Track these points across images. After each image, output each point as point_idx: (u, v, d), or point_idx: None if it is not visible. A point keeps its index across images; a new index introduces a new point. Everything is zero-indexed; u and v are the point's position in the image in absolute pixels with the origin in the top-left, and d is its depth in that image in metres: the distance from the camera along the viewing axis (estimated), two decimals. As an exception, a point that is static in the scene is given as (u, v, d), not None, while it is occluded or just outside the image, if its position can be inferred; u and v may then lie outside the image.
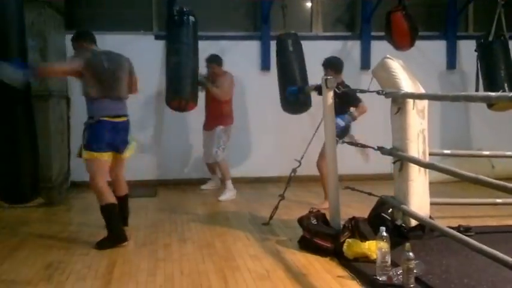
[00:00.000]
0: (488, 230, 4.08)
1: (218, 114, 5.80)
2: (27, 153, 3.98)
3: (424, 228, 3.79)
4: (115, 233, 3.88)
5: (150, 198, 5.83)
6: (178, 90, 5.34)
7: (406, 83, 3.73)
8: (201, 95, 5.86)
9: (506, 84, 5.86)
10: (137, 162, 6.57)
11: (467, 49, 6.42)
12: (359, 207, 4.80)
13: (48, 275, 3.30)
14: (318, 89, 4.38)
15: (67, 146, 6.28)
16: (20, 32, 3.92)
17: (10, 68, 3.65)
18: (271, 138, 6.70)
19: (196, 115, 6.30)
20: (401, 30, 5.80)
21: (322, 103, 4.11)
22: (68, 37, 6.23)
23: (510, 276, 2.91)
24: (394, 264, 3.10)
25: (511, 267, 2.63)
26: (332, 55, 5.40)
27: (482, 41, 6.00)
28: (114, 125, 3.93)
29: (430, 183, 3.92)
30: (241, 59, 6.51)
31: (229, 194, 5.70)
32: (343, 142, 4.28)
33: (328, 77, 4.04)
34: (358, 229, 3.61)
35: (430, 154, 3.93)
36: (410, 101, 3.66)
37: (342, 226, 3.81)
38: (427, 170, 3.75)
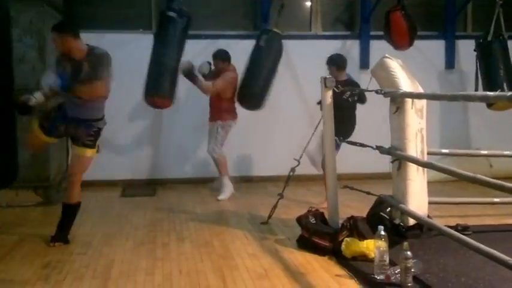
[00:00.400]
0: (486, 229, 4.09)
1: (218, 109, 5.75)
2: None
3: (422, 227, 3.79)
4: (67, 233, 3.97)
5: (149, 197, 5.83)
6: (155, 88, 5.13)
7: (405, 83, 3.73)
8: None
9: (505, 84, 5.86)
10: (136, 161, 6.61)
11: (466, 49, 6.42)
12: (357, 206, 4.81)
13: (46, 274, 3.29)
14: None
15: (65, 145, 6.27)
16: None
17: (54, 78, 3.69)
18: (269, 137, 6.69)
19: (195, 114, 6.30)
20: (400, 29, 5.80)
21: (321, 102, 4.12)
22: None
23: (507, 275, 2.91)
24: (392, 263, 3.10)
25: (509, 266, 2.63)
26: (330, 54, 5.38)
27: (481, 40, 6.00)
28: None
29: (428, 182, 3.92)
30: (240, 58, 6.49)
31: (227, 191, 5.63)
32: (342, 141, 4.29)
33: (327, 77, 4.05)
34: (356, 228, 3.61)
35: (428, 153, 3.93)
36: (409, 101, 3.66)
37: (340, 225, 3.81)
38: (426, 169, 3.76)
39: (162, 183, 6.44)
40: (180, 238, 4.11)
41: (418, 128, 3.76)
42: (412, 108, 3.68)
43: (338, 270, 3.30)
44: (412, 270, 2.95)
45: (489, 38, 5.90)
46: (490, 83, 5.87)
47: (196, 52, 6.03)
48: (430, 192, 3.96)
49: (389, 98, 3.79)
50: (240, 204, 5.37)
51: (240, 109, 5.93)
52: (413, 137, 3.72)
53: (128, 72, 5.27)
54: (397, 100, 3.72)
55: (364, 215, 3.93)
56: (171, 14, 5.07)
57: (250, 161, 6.67)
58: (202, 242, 3.99)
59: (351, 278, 3.15)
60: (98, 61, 3.70)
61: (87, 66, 3.70)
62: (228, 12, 6.92)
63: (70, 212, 3.97)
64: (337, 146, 4.74)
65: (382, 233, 3.13)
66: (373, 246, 3.22)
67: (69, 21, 4.00)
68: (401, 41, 5.84)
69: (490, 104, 5.76)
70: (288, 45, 6.06)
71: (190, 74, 5.41)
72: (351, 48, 6.83)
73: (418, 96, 3.73)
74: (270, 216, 4.50)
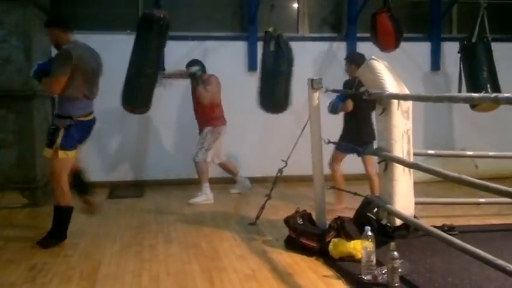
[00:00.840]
0: (472, 229, 4.14)
1: (206, 119, 5.71)
2: None
3: (409, 228, 3.83)
4: (59, 232, 3.92)
5: (137, 198, 5.80)
6: (130, 98, 5.09)
7: (391, 84, 3.77)
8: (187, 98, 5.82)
9: (488, 86, 5.93)
10: (123, 162, 6.57)
11: (451, 51, 6.49)
12: (345, 207, 4.85)
13: (32, 276, 3.26)
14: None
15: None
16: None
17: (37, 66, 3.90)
18: (257, 138, 6.71)
19: (184, 115, 6.29)
20: (387, 31, 5.84)
21: (308, 103, 4.14)
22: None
23: (493, 274, 2.95)
24: (379, 263, 3.13)
25: (494, 265, 2.67)
26: (317, 56, 5.42)
27: (465, 42, 6.08)
28: (85, 124, 3.95)
29: (415, 183, 3.96)
30: (228, 60, 6.51)
31: (202, 197, 5.52)
32: (329, 142, 4.31)
33: (314, 78, 4.07)
34: (343, 229, 3.64)
35: (414, 154, 3.97)
36: (395, 102, 3.70)
37: (327, 226, 3.83)
38: (412, 170, 3.80)
39: (150, 184, 6.42)
40: (168, 240, 4.10)
41: (404, 129, 3.79)
42: (398, 109, 3.71)
43: (325, 270, 3.32)
44: (399, 270, 2.98)
45: (473, 40, 5.98)
46: (474, 84, 5.94)
47: (184, 54, 6.03)
48: (416, 193, 4.00)
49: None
50: (228, 206, 5.37)
51: (227, 112, 5.93)
52: (400, 138, 3.75)
53: (115, 73, 5.23)
54: (383, 102, 3.75)
55: (351, 215, 3.96)
56: (148, 20, 5.05)
57: (238, 162, 6.66)
58: (190, 243, 3.99)
59: (338, 278, 3.17)
60: (55, 57, 3.84)
61: (52, 60, 3.88)
62: (216, 13, 6.92)
63: (58, 215, 3.93)
64: (347, 149, 4.77)
65: (369, 233, 3.15)
66: (360, 247, 3.24)
67: (60, 16, 4.14)
68: (387, 43, 5.88)
69: (474, 105, 5.83)
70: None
71: (194, 76, 5.59)
72: (337, 50, 6.87)
73: (404, 97, 3.77)
74: (257, 217, 4.51)
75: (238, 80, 6.57)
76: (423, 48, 7.02)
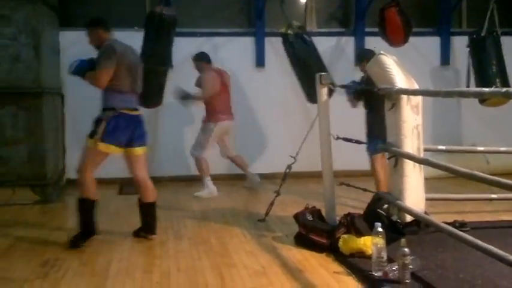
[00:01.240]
0: (484, 226, 4.11)
1: (206, 111, 5.80)
2: None
3: (420, 224, 3.81)
4: (87, 228, 3.84)
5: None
6: (147, 100, 5.21)
7: (400, 79, 3.74)
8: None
9: (498, 80, 5.88)
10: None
11: (461, 45, 6.44)
12: (354, 203, 4.84)
13: (45, 272, 3.29)
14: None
15: (62, 143, 6.26)
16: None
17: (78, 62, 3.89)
18: (265, 135, 6.70)
19: (191, 112, 6.29)
20: (395, 26, 5.81)
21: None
22: (62, 34, 6.30)
23: (505, 271, 2.93)
24: (390, 259, 3.11)
25: (506, 262, 2.65)
26: (325, 51, 5.39)
27: (474, 36, 6.02)
28: (131, 118, 3.86)
29: (425, 179, 3.94)
30: (235, 56, 6.50)
31: (206, 191, 5.63)
32: (338, 138, 4.29)
33: (322, 73, 4.05)
34: (353, 225, 3.62)
35: (424, 150, 3.95)
36: (404, 97, 3.67)
37: (337, 222, 3.82)
38: (422, 165, 3.77)
39: (160, 181, 6.42)
40: (178, 236, 4.11)
41: (414, 125, 3.77)
42: (407, 104, 3.69)
43: (336, 267, 3.31)
44: (410, 266, 2.97)
45: (483, 34, 5.92)
46: (483, 79, 5.89)
47: (192, 50, 6.03)
48: (427, 189, 3.98)
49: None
50: (237, 202, 5.38)
51: (235, 108, 5.92)
52: (410, 134, 3.73)
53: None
54: (392, 97, 3.72)
55: (362, 212, 3.95)
56: (150, 18, 5.33)
57: (246, 158, 6.66)
58: (199, 239, 4.00)
59: (348, 275, 3.16)
60: (100, 53, 3.83)
61: (97, 57, 3.86)
62: (223, 9, 6.91)
63: (79, 208, 3.86)
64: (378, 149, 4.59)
65: (380, 229, 3.14)
66: (371, 243, 3.23)
67: (101, 17, 4.16)
68: (396, 38, 5.85)
69: (483, 100, 5.78)
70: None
71: (186, 97, 5.69)
72: (345, 45, 6.85)
73: (414, 92, 3.74)
74: (267, 214, 4.51)
75: (246, 75, 6.57)
76: (432, 43, 6.97)
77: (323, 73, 4.08)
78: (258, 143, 6.66)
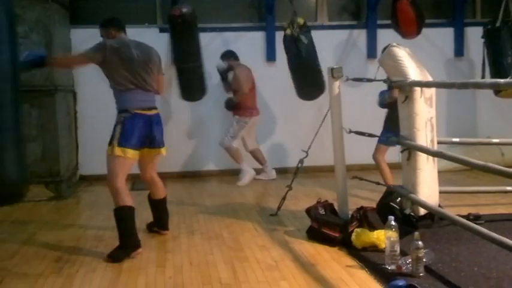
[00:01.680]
0: (499, 218, 4.06)
1: (237, 105, 5.96)
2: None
3: (433, 217, 3.77)
4: (128, 240, 3.47)
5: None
6: (192, 96, 5.95)
7: (413, 71, 3.70)
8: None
9: (513, 71, 5.78)
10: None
11: (475, 36, 6.34)
12: (367, 197, 4.81)
13: (59, 267, 3.33)
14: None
15: (75, 140, 6.31)
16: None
17: (28, 54, 3.62)
18: (277, 129, 6.68)
19: (202, 107, 6.30)
20: (408, 18, 5.74)
21: (328, 92, 4.10)
22: (73, 31, 6.34)
23: (521, 263, 2.89)
24: (403, 253, 3.09)
25: (522, 254, 2.61)
26: (337, 45, 5.34)
27: (489, 27, 5.92)
28: (147, 118, 3.63)
29: (439, 171, 3.90)
30: (246, 51, 6.47)
31: (246, 177, 5.93)
32: (351, 132, 4.25)
33: (335, 67, 4.02)
34: (366, 219, 3.60)
35: (438, 143, 3.90)
36: (417, 89, 3.63)
37: (350, 216, 3.80)
38: (436, 158, 3.73)
39: (171, 176, 6.46)
40: (190, 230, 4.12)
41: (427, 117, 3.72)
42: (421, 97, 3.64)
43: (349, 260, 3.30)
44: (424, 260, 2.94)
45: (497, 25, 5.82)
46: (498, 70, 5.79)
47: (203, 45, 6.02)
48: (441, 182, 3.94)
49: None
50: (249, 197, 5.38)
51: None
52: (423, 126, 3.68)
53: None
54: (405, 89, 3.68)
55: (374, 205, 3.92)
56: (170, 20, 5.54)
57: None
58: (212, 234, 4.00)
59: (361, 268, 3.15)
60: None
61: None
62: (233, 4, 6.89)
63: (117, 218, 3.54)
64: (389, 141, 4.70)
65: (393, 223, 3.11)
66: (384, 237, 3.20)
67: (114, 17, 3.92)
68: (408, 30, 5.78)
69: (498, 91, 5.69)
70: (295, 36, 6.01)
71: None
72: (357, 38, 6.78)
73: (427, 84, 3.69)
74: (279, 208, 4.50)
75: (257, 70, 6.52)
76: (446, 34, 6.87)
77: (335, 66, 4.04)
78: (269, 137, 6.65)
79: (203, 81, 5.86)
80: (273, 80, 6.47)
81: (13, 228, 4.34)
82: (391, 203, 3.80)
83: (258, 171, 6.27)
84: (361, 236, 3.46)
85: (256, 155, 6.20)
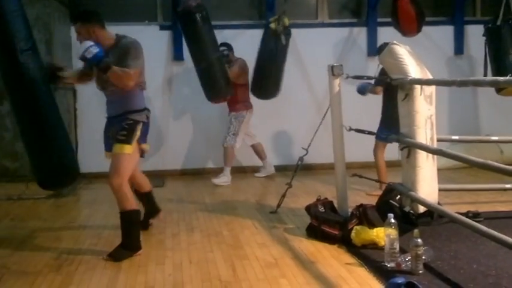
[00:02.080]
0: (498, 216, 4.06)
1: (232, 101, 5.91)
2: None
3: (433, 215, 3.78)
4: (132, 243, 3.48)
5: (158, 188, 5.82)
6: (217, 93, 5.59)
7: (413, 69, 3.69)
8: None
9: (514, 69, 5.77)
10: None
11: (475, 34, 6.34)
12: (367, 195, 4.81)
13: (58, 265, 3.33)
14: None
15: (74, 137, 6.31)
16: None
17: (93, 46, 3.29)
18: (277, 126, 6.68)
19: (203, 105, 6.29)
20: (408, 16, 5.74)
21: (328, 90, 4.10)
22: (73, 29, 6.30)
23: (520, 261, 2.89)
24: (403, 250, 3.09)
25: (521, 252, 2.61)
26: (337, 42, 5.33)
27: (490, 25, 5.92)
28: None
29: (439, 169, 3.90)
30: (246, 48, 6.46)
31: (223, 179, 5.85)
32: (351, 129, 4.25)
33: (335, 64, 4.01)
34: (366, 216, 3.60)
35: (438, 140, 3.90)
36: (417, 87, 3.62)
37: (349, 213, 3.80)
38: (435, 156, 3.73)
39: (171, 174, 6.46)
40: (190, 228, 4.12)
41: (427, 115, 3.72)
42: (421, 94, 3.64)
43: (348, 258, 3.30)
44: (423, 257, 2.94)
45: (498, 23, 5.81)
46: (499, 68, 5.79)
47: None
48: (440, 180, 3.94)
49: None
50: (249, 194, 5.38)
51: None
52: (423, 124, 3.68)
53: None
54: (405, 87, 3.68)
55: (374, 203, 3.91)
56: (191, 12, 5.28)
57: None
58: (211, 231, 4.00)
59: (361, 266, 3.15)
60: (125, 51, 3.41)
61: (115, 57, 3.40)
62: (234, 2, 6.88)
63: (124, 221, 3.50)
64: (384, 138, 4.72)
65: (392, 220, 3.11)
66: (383, 234, 3.20)
67: (93, 10, 3.61)
68: (409, 28, 5.78)
69: (500, 89, 5.69)
70: (295, 33, 6.02)
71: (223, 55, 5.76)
72: (358, 36, 6.77)
73: (427, 82, 3.69)
74: (278, 206, 4.50)
75: (257, 68, 6.53)
76: (446, 32, 6.87)
77: (336, 64, 4.03)
78: (269, 134, 6.65)
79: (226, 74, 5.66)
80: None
81: (12, 225, 4.34)
82: (391, 201, 3.80)
83: (255, 169, 6.28)
84: (360, 233, 3.46)
85: (257, 149, 6.20)
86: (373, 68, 5.11)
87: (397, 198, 3.82)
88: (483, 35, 5.95)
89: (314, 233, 3.74)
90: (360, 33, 6.77)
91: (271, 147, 6.63)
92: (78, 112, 6.38)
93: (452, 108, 6.74)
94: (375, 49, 6.50)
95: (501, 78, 3.15)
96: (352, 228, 3.53)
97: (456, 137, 4.61)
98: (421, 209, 3.72)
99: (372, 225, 3.51)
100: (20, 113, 3.59)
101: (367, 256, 3.25)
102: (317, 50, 6.46)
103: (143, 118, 3.53)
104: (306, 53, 6.58)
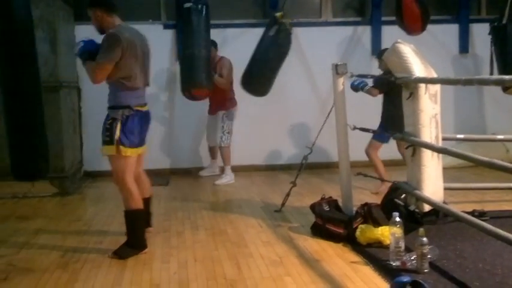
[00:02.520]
0: (503, 215, 4.04)
1: (220, 99, 5.87)
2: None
3: (438, 214, 3.77)
4: (137, 241, 3.47)
5: (163, 186, 5.85)
6: (190, 80, 5.38)
7: (418, 68, 3.69)
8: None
9: (520, 67, 5.75)
10: (149, 151, 6.61)
11: (480, 32, 6.33)
12: (372, 193, 4.81)
13: (64, 263, 3.34)
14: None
15: (79, 136, 6.33)
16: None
17: (80, 42, 3.42)
18: (281, 125, 6.68)
19: (206, 104, 6.30)
20: (413, 14, 5.71)
21: (332, 89, 4.09)
22: (78, 28, 6.33)
23: (525, 260, 2.88)
24: (408, 249, 3.08)
25: (527, 251, 2.60)
26: (341, 41, 5.33)
27: (495, 24, 5.89)
28: (143, 115, 3.51)
29: (444, 168, 3.89)
30: (249, 47, 6.45)
31: (226, 179, 5.84)
32: (355, 128, 4.25)
33: (339, 63, 4.01)
34: (371, 215, 3.60)
35: (443, 139, 3.89)
36: (422, 86, 3.62)
37: (354, 212, 3.80)
38: (440, 155, 3.72)
39: (176, 172, 6.48)
40: (195, 226, 4.13)
41: (432, 114, 3.72)
42: (425, 93, 3.63)
43: (353, 257, 3.30)
44: (428, 256, 2.94)
45: (504, 21, 5.79)
46: (505, 66, 5.77)
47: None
48: (446, 178, 3.93)
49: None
50: (253, 193, 5.38)
51: (245, 99, 5.91)
52: (428, 123, 3.68)
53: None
54: (410, 86, 3.67)
55: (379, 201, 3.91)
56: (188, 4, 5.24)
57: (262, 149, 6.66)
58: (216, 230, 4.01)
59: (366, 264, 3.15)
60: (101, 43, 3.33)
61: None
62: (238, 0, 6.87)
63: (128, 220, 3.48)
64: (387, 138, 4.76)
65: (397, 219, 3.11)
66: (388, 233, 3.20)
67: None
68: (413, 26, 5.75)
69: (506, 87, 5.67)
70: (299, 32, 6.02)
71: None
72: (362, 35, 6.76)
73: (432, 81, 3.68)
74: (283, 204, 4.50)
75: (262, 67, 6.53)
76: (451, 31, 6.84)
77: (340, 63, 4.03)
78: (273, 134, 6.64)
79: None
80: (278, 76, 6.45)
81: (18, 223, 4.36)
82: (396, 200, 3.79)
83: (256, 168, 6.27)
84: (365, 232, 3.46)
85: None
86: (377, 66, 5.11)
87: (402, 196, 3.82)
88: (489, 34, 5.93)
89: (319, 231, 3.74)
90: (364, 32, 6.76)
91: (275, 146, 6.63)
92: (82, 111, 6.40)
93: (457, 106, 6.72)
94: (379, 48, 6.50)
95: (507, 77, 3.15)
96: (357, 227, 3.53)
97: (461, 136, 4.60)
98: (426, 207, 3.72)
99: (377, 223, 3.51)
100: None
101: (372, 255, 3.25)
102: (321, 48, 6.45)
103: (118, 115, 3.35)
104: (310, 52, 6.57)
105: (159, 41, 6.32)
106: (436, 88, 3.77)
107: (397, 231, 3.08)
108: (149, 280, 3.04)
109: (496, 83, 4.11)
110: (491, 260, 3.08)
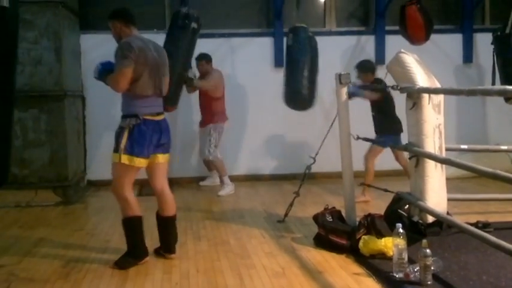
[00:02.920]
0: (508, 226, 4.01)
1: (209, 112, 5.88)
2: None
3: (442, 225, 3.74)
4: (137, 250, 3.45)
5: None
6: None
7: (422, 78, 3.69)
8: (195, 94, 5.95)
9: (523, 78, 5.74)
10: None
11: (484, 42, 6.31)
12: (375, 204, 4.79)
13: (66, 273, 3.33)
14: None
15: (83, 145, 6.34)
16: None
17: (100, 66, 3.50)
18: (285, 135, 6.68)
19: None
20: (416, 24, 5.73)
21: (336, 99, 4.09)
22: (83, 37, 6.39)
23: (530, 272, 2.85)
24: (411, 261, 3.07)
25: (531, 263, 2.58)
26: (345, 51, 5.36)
27: (498, 33, 5.89)
28: (157, 125, 3.45)
29: (447, 179, 3.87)
30: (254, 56, 6.50)
31: (227, 189, 5.79)
32: (358, 138, 4.24)
33: (342, 73, 4.01)
34: (374, 226, 3.57)
35: (446, 149, 3.88)
36: (425, 96, 3.61)
37: (357, 223, 3.78)
38: (444, 165, 3.71)
39: (178, 182, 6.47)
40: (197, 237, 4.12)
41: (435, 124, 3.71)
42: (429, 103, 3.63)
43: (356, 268, 3.28)
44: (432, 268, 2.92)
45: (507, 31, 5.78)
46: (508, 76, 5.76)
47: (210, 51, 6.04)
48: (449, 189, 3.91)
49: (405, 94, 3.75)
50: (256, 203, 5.37)
51: (250, 109, 5.93)
52: (431, 133, 3.67)
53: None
54: (413, 96, 3.67)
55: (382, 212, 3.89)
56: (185, 20, 5.19)
57: (265, 159, 6.66)
58: (218, 240, 4.00)
59: (369, 276, 3.12)
60: (115, 52, 3.40)
61: None
62: (242, 10, 6.90)
63: (126, 228, 3.49)
64: (385, 142, 4.80)
65: (401, 230, 3.09)
66: (391, 244, 3.18)
67: (122, 9, 3.67)
68: (417, 36, 5.77)
69: (509, 98, 5.66)
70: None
71: (189, 81, 5.60)
72: (366, 44, 6.77)
73: (435, 91, 3.68)
74: (286, 215, 4.49)
75: (265, 76, 6.55)
76: (455, 40, 6.84)
77: (343, 73, 4.03)
78: (277, 143, 6.64)
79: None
80: (281, 85, 6.47)
81: (21, 232, 4.36)
82: (399, 210, 3.78)
83: (260, 178, 6.25)
84: (368, 243, 3.44)
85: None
86: (381, 76, 5.10)
87: (405, 207, 3.80)
88: (491, 43, 5.93)
89: (322, 242, 3.72)
90: (368, 42, 6.77)
91: (279, 155, 6.63)
92: (87, 120, 6.42)
93: (460, 117, 6.70)
94: (383, 57, 6.53)
95: (509, 87, 3.13)
96: (360, 238, 3.51)
97: (465, 146, 4.58)
98: (430, 218, 3.70)
99: (380, 235, 3.49)
100: None
101: (375, 266, 3.23)
102: (325, 58, 6.45)
103: (125, 124, 3.37)
104: (314, 61, 6.57)
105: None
106: (440, 98, 3.77)
107: (401, 242, 3.06)
108: (151, 291, 3.03)
109: (499, 93, 4.10)
110: (495, 272, 3.05)
